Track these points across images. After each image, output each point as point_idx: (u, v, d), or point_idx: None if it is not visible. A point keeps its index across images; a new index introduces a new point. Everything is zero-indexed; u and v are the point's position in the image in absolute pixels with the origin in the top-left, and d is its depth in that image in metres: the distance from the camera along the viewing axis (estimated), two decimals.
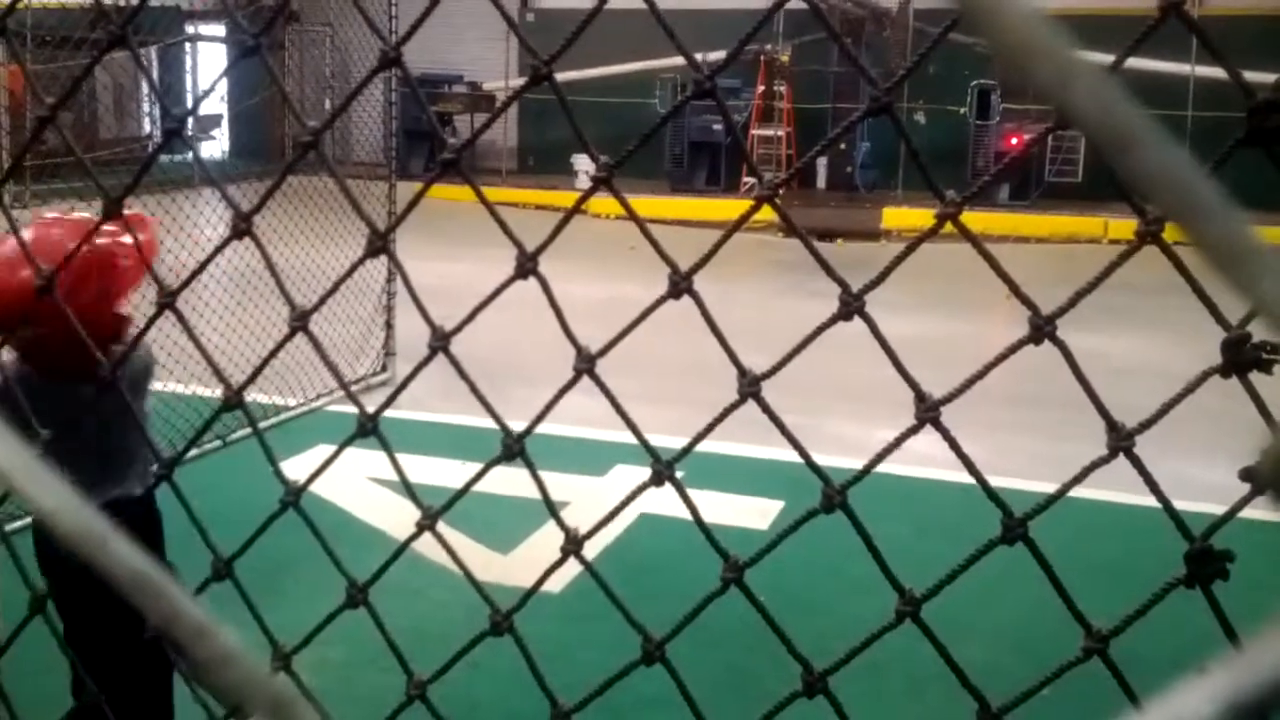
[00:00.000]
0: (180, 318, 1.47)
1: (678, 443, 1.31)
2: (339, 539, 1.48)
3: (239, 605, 1.47)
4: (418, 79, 1.36)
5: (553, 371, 1.45)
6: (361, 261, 1.35)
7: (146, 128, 19.03)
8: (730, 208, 16.10)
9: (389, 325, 7.79)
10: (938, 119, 18.02)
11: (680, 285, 1.24)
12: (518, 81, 18.62)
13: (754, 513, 5.54)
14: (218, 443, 5.60)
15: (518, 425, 1.36)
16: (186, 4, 6.67)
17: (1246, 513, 1.08)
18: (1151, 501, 1.19)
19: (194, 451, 1.77)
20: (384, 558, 1.45)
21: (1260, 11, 16.17)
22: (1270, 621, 0.35)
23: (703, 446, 1.32)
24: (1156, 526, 1.24)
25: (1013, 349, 1.18)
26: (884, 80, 1.18)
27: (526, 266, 1.27)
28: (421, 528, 1.42)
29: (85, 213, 2.87)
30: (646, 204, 15.67)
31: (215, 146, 20.29)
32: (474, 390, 1.39)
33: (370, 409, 1.39)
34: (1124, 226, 13.73)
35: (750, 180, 17.51)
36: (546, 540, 4.74)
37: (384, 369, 7.78)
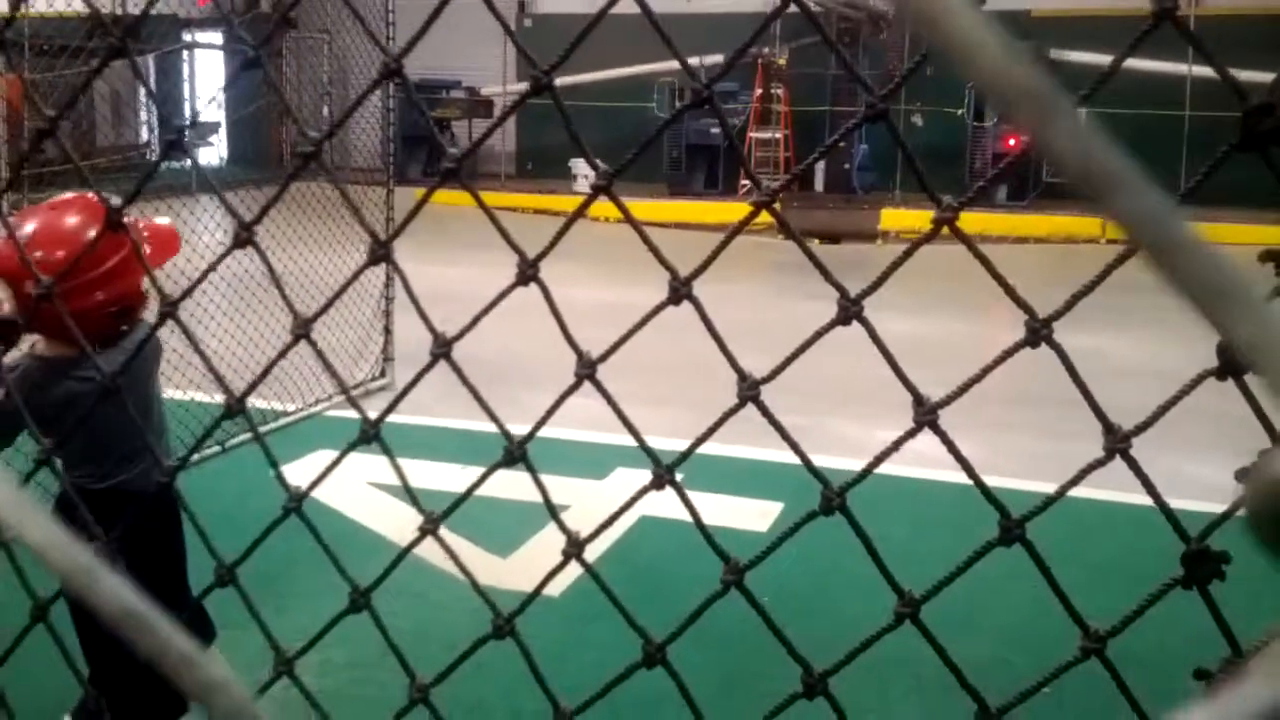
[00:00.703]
0: (182, 326, 1.47)
1: (678, 444, 1.31)
2: (340, 544, 1.48)
3: (242, 610, 1.47)
4: (415, 84, 1.36)
5: (555, 373, 1.46)
6: (363, 270, 1.35)
7: (144, 136, 19.05)
8: (729, 211, 16.11)
9: (387, 330, 7.78)
10: (935, 120, 18.04)
11: (680, 291, 1.25)
12: (516, 86, 18.47)
13: (754, 515, 5.54)
14: (217, 448, 5.59)
15: (519, 429, 1.36)
16: (184, 12, 6.66)
17: (1243, 513, 1.08)
18: (1150, 500, 1.20)
19: (194, 457, 1.77)
20: (385, 562, 1.45)
21: (1260, 11, 16.19)
22: (1253, 658, 0.35)
23: (703, 448, 1.32)
24: (1155, 525, 1.24)
25: (1009, 352, 1.18)
26: (881, 84, 1.19)
27: (527, 273, 1.28)
28: (424, 532, 1.42)
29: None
30: (645, 207, 15.69)
31: (213, 153, 20.31)
32: (477, 397, 1.39)
33: (370, 415, 1.39)
34: None
35: (749, 183, 17.51)
36: (547, 543, 4.74)
37: (383, 374, 7.77)
